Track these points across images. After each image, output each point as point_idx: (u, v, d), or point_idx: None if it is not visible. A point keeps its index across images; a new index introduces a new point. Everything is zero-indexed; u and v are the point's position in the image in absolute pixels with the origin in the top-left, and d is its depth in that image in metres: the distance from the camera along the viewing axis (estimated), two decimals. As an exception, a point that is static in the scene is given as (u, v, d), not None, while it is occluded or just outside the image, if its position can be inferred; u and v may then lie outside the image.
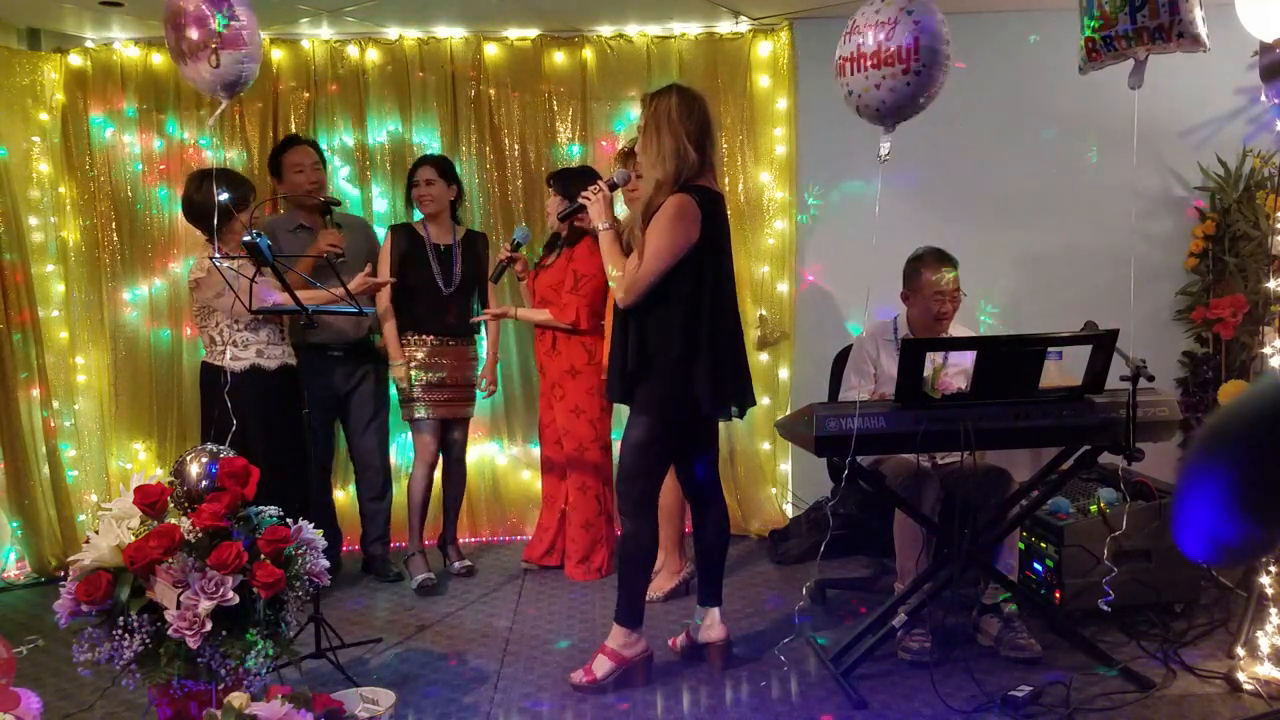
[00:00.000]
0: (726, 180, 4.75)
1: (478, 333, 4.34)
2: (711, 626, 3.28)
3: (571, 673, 3.19)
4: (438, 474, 4.32)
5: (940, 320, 3.54)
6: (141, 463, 4.65)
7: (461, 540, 4.56)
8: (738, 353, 3.15)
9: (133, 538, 2.50)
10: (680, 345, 3.01)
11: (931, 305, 3.52)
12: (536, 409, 4.47)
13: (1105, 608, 3.13)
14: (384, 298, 4.09)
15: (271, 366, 3.87)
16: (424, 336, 4.14)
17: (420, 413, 4.12)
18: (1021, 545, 3.64)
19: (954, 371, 3.39)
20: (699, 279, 3.01)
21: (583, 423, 4.12)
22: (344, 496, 4.68)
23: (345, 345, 4.18)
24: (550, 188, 4.09)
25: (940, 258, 3.56)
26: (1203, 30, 2.70)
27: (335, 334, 4.15)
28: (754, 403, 3.23)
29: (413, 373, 4.11)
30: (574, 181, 3.84)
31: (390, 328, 4.10)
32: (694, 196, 2.97)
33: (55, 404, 4.45)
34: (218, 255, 3.95)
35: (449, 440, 4.24)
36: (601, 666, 3.15)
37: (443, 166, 4.21)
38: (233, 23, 3.02)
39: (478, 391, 4.28)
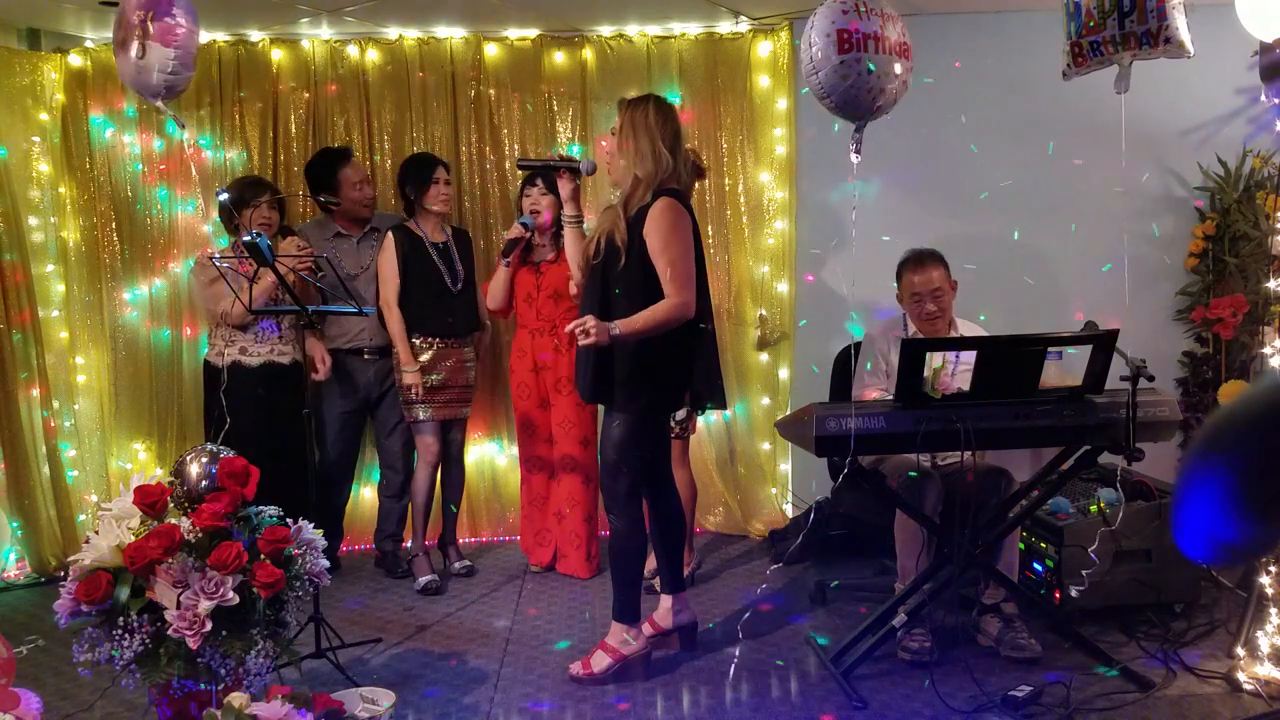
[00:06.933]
0: (726, 180, 4.76)
1: (479, 330, 4.35)
2: (681, 611, 3.37)
3: (570, 664, 3.23)
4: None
5: (929, 321, 3.54)
6: (141, 463, 4.65)
7: (461, 540, 4.56)
8: (716, 351, 3.36)
9: (133, 538, 2.50)
10: (675, 346, 3.09)
11: (913, 308, 3.56)
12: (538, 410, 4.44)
13: (1074, 594, 3.16)
14: (392, 301, 4.08)
15: (253, 364, 3.95)
16: (429, 339, 4.14)
17: (422, 414, 4.12)
18: (1021, 545, 3.64)
19: (962, 370, 3.37)
20: None
21: (586, 415, 4.15)
22: (368, 493, 4.70)
23: (375, 349, 4.22)
24: (538, 184, 4.06)
25: (919, 258, 3.56)
26: (1186, 36, 2.71)
27: (353, 336, 4.20)
28: (724, 402, 3.55)
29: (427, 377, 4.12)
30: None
31: (400, 331, 4.08)
32: (677, 200, 3.08)
33: (55, 404, 4.44)
34: (216, 254, 4.00)
35: (447, 439, 4.24)
36: (600, 662, 3.17)
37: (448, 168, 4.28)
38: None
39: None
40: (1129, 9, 2.68)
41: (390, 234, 4.15)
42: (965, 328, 3.65)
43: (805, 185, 4.70)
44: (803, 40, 2.98)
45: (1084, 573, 3.21)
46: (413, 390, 4.07)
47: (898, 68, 2.90)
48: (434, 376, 4.12)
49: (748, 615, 3.53)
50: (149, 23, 3.07)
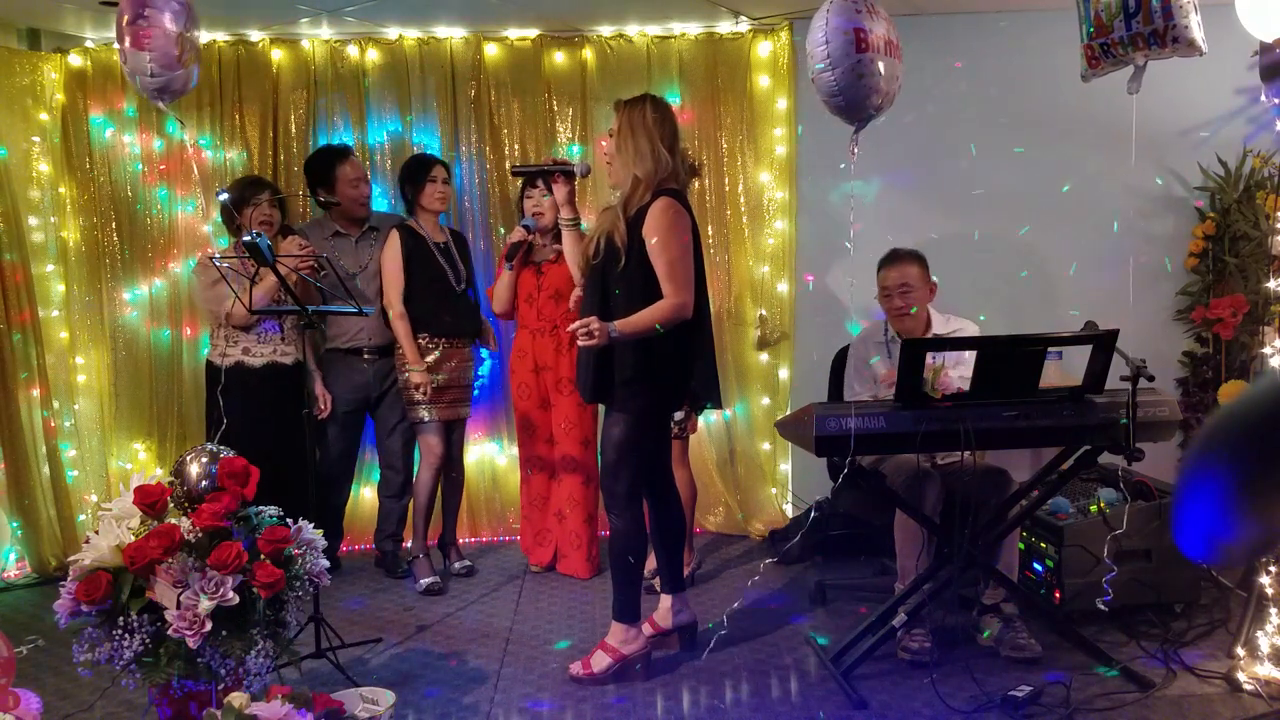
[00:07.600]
0: (726, 180, 4.76)
1: (479, 330, 4.35)
2: (681, 611, 3.38)
3: (570, 664, 3.23)
4: None
5: (898, 317, 3.57)
6: (141, 463, 4.65)
7: (461, 541, 4.56)
8: (714, 351, 3.36)
9: (133, 538, 2.50)
10: (675, 346, 3.10)
11: (884, 303, 3.62)
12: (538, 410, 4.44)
13: (1103, 606, 3.14)
14: (397, 300, 4.09)
15: (256, 364, 3.95)
16: (435, 339, 4.14)
17: (426, 415, 4.11)
18: (1021, 545, 3.64)
19: (954, 365, 3.37)
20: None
21: (588, 416, 4.15)
22: (368, 493, 4.70)
23: (375, 349, 4.22)
24: (539, 185, 4.04)
25: (894, 256, 3.62)
26: (1199, 35, 2.71)
27: (353, 335, 4.20)
28: (721, 401, 3.59)
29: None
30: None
31: (406, 330, 4.08)
32: (676, 199, 3.08)
33: (55, 404, 4.44)
34: (217, 255, 4.01)
35: (449, 440, 4.24)
36: (600, 662, 3.17)
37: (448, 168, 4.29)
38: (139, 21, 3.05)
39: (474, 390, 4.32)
40: (1134, 10, 2.68)
41: (395, 232, 4.15)
42: (942, 323, 3.64)
43: (805, 185, 4.70)
44: (811, 36, 2.96)
45: (1104, 582, 3.17)
46: (420, 390, 4.06)
47: (888, 68, 2.91)
48: (438, 377, 4.11)
49: (736, 605, 3.53)
50: (130, 26, 3.07)
